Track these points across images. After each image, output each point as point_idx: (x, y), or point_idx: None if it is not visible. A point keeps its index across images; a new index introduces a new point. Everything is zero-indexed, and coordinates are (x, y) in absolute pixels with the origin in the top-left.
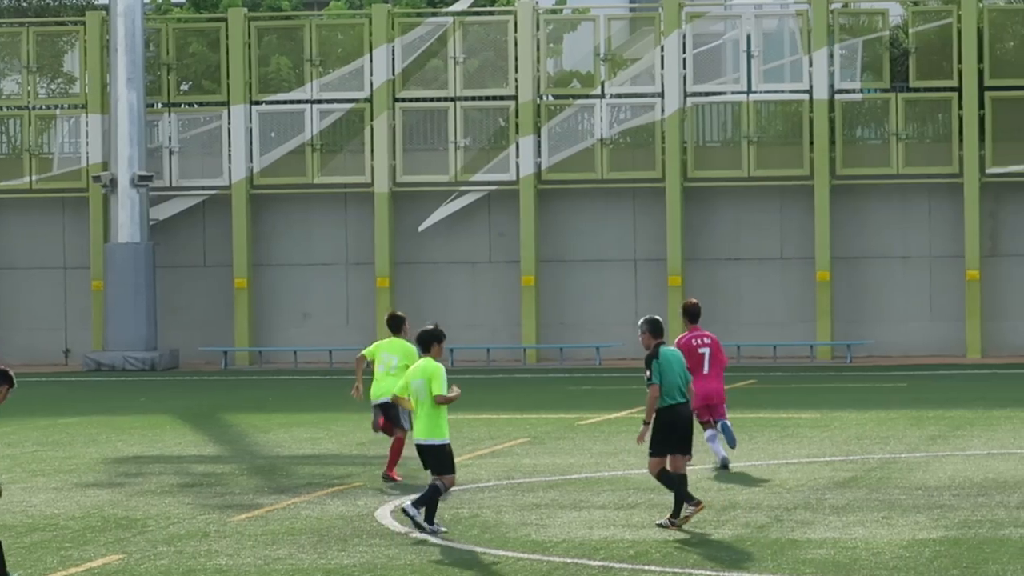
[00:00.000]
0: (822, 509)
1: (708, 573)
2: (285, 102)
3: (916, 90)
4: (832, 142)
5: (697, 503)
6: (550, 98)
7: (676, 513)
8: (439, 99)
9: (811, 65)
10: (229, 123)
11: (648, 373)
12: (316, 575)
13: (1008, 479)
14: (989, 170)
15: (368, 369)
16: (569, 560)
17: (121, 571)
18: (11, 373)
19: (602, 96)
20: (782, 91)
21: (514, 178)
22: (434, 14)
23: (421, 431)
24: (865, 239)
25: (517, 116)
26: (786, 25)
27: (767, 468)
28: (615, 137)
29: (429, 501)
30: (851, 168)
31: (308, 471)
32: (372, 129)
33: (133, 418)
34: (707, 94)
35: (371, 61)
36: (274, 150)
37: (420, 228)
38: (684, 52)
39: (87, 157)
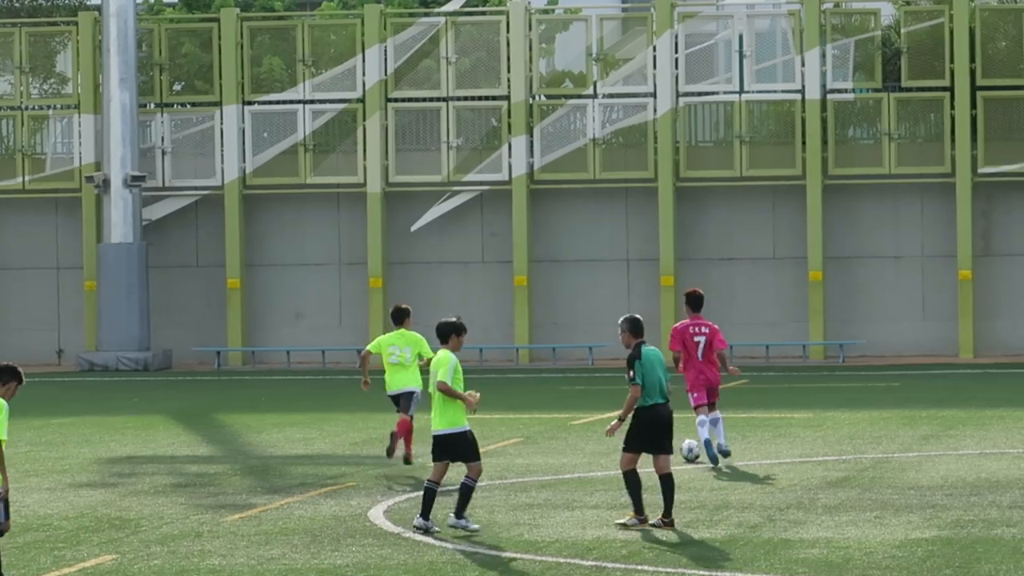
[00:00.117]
0: (815, 509)
1: (701, 572)
2: (277, 102)
3: (908, 90)
4: (824, 142)
5: (643, 519)
6: (542, 98)
7: (667, 512)
8: (431, 99)
9: (803, 65)
10: (222, 123)
11: (631, 373)
12: (309, 575)
13: (1000, 479)
14: (981, 170)
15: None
16: (562, 560)
17: (114, 571)
18: (20, 369)
19: (594, 96)
20: (774, 91)
21: (506, 178)
22: (426, 14)
23: (438, 421)
24: (857, 239)
25: (509, 116)
26: (778, 25)
27: (760, 468)
28: (607, 137)
29: (465, 500)
30: (843, 168)
31: (301, 471)
32: (364, 129)
33: (126, 418)
34: (699, 94)
35: (363, 61)
36: (267, 150)
37: (413, 228)
38: (676, 52)
39: (80, 157)
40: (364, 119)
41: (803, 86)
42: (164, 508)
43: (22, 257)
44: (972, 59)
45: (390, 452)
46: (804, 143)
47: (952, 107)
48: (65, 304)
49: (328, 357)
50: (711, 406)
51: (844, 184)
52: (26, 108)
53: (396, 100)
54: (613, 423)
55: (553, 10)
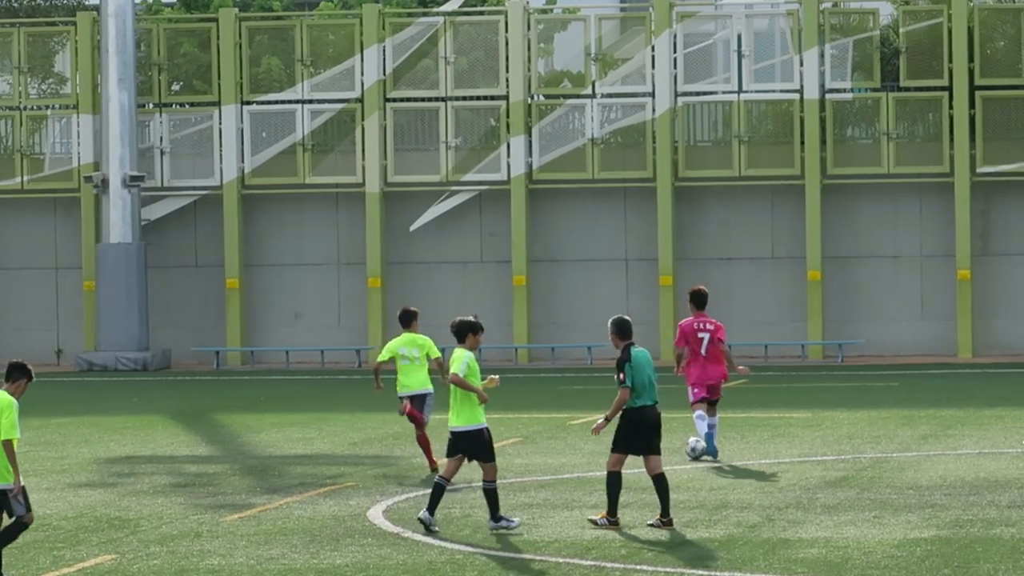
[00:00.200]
0: (813, 508)
1: (699, 572)
2: (276, 102)
3: (907, 89)
4: (823, 142)
5: (615, 522)
6: (541, 98)
7: (665, 511)
8: (430, 99)
9: (802, 65)
10: (220, 123)
11: (621, 376)
12: (309, 575)
13: (999, 478)
14: (980, 169)
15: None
16: (561, 560)
17: (114, 571)
18: (30, 367)
19: (593, 96)
20: (773, 91)
21: (505, 178)
22: (425, 14)
23: (455, 418)
24: (856, 238)
25: (508, 116)
26: (776, 25)
27: (759, 467)
28: (606, 137)
29: (494, 503)
30: (842, 168)
31: (300, 471)
32: (363, 129)
33: (125, 418)
34: (698, 94)
35: (362, 61)
36: (265, 150)
37: (411, 228)
38: (675, 52)
39: (78, 157)
40: (363, 119)
41: (801, 86)
42: (163, 508)
43: (21, 257)
44: (971, 59)
45: (433, 467)
46: (803, 143)
47: (951, 107)
48: (64, 304)
49: (327, 357)
50: (712, 405)
51: (843, 184)
52: (25, 108)
53: (395, 100)
54: (599, 422)
55: (551, 10)
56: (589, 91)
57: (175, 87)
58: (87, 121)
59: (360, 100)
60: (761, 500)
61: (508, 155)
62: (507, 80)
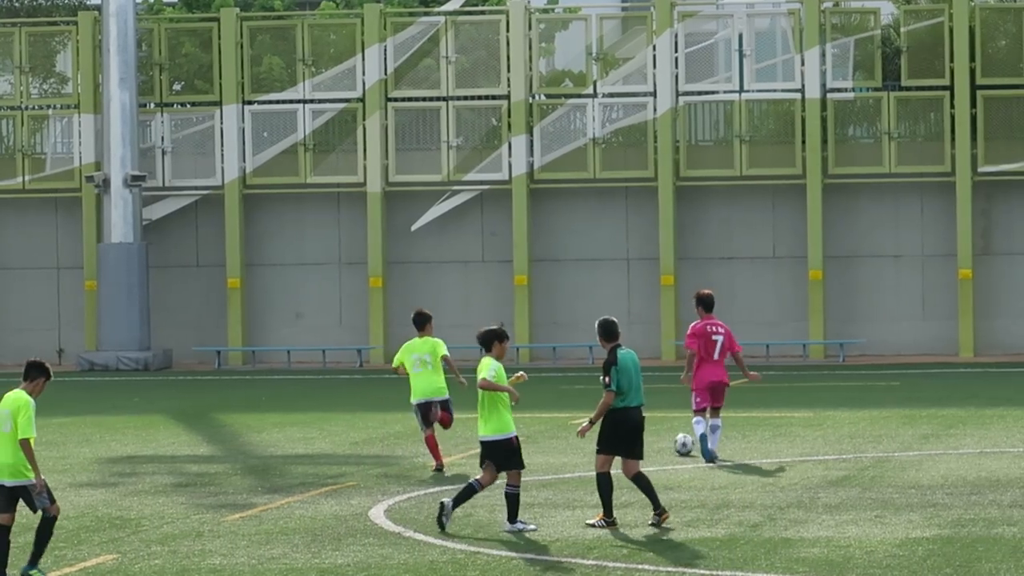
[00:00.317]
0: (815, 508)
1: (701, 572)
2: (277, 102)
3: (908, 89)
4: (824, 141)
5: (611, 522)
6: (542, 97)
7: (657, 505)
8: (431, 99)
9: (803, 64)
10: (222, 123)
11: (607, 379)
12: (310, 574)
13: (1001, 477)
14: (981, 169)
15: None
16: (563, 559)
17: (115, 571)
18: (48, 366)
19: (594, 95)
20: (774, 90)
21: (506, 177)
22: (426, 14)
23: (484, 427)
24: (857, 238)
25: (509, 115)
26: (778, 24)
27: (760, 467)
28: (607, 136)
29: (514, 507)
30: (843, 167)
31: (302, 471)
32: (364, 129)
33: (127, 418)
34: (699, 93)
35: (363, 61)
36: (267, 150)
37: (413, 228)
38: (676, 51)
39: (80, 157)
40: (364, 119)
41: (803, 85)
42: (165, 508)
43: (22, 257)
44: (972, 58)
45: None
46: (804, 142)
47: (952, 106)
48: (65, 304)
49: (328, 357)
50: (715, 411)
51: (844, 183)
52: (26, 108)
53: (396, 99)
54: (584, 424)
55: (553, 9)
56: (590, 91)
57: (176, 87)
58: (88, 121)
59: (361, 100)
60: (763, 499)
61: (509, 155)
62: (508, 80)
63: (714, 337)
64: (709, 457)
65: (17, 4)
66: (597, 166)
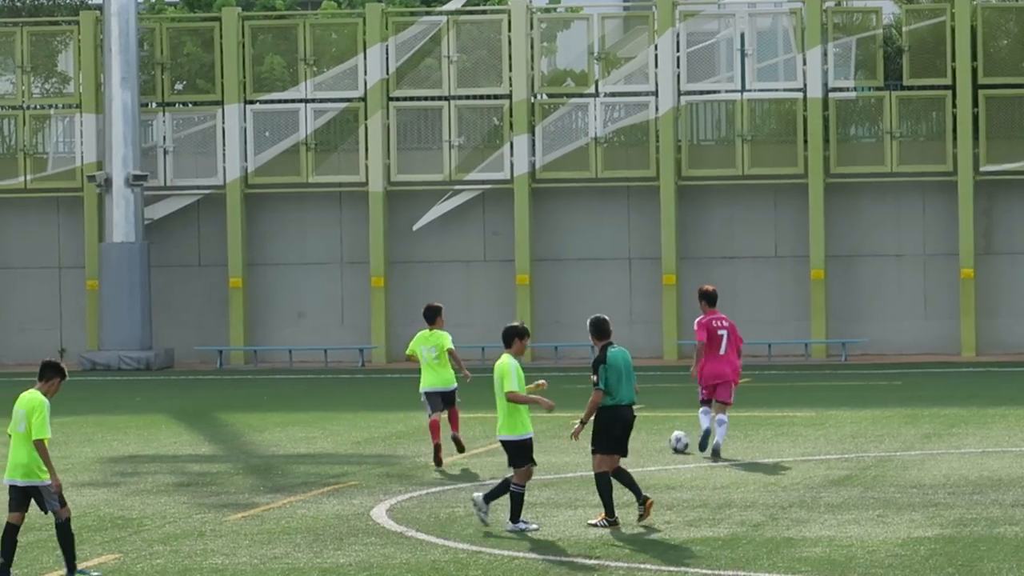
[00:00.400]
0: (817, 507)
1: (704, 571)
2: (279, 101)
3: (910, 88)
4: (826, 140)
5: (614, 522)
6: (544, 97)
7: (638, 495)
8: (433, 98)
9: (805, 63)
10: (223, 122)
11: (595, 377)
12: (312, 574)
13: (1003, 477)
14: (983, 168)
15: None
16: (565, 558)
17: (117, 571)
18: (63, 366)
19: (596, 95)
20: (776, 89)
21: (508, 177)
22: (428, 13)
23: (501, 426)
24: (859, 237)
25: (511, 115)
26: (780, 23)
27: (762, 466)
28: (609, 136)
29: (517, 506)
30: (845, 166)
31: (304, 470)
32: (366, 128)
33: (128, 417)
34: (701, 92)
35: (365, 60)
36: (268, 149)
37: (414, 227)
38: (678, 51)
39: (82, 157)
40: (366, 118)
41: (805, 85)
42: (167, 507)
43: (24, 257)
44: (974, 57)
45: (438, 457)
46: (806, 142)
47: (954, 105)
48: (67, 303)
49: (330, 356)
50: (721, 406)
51: (846, 183)
52: (28, 107)
53: (397, 99)
54: (576, 427)
55: (555, 9)
56: (592, 90)
57: (178, 86)
58: (90, 120)
59: (363, 99)
60: (765, 499)
61: (511, 154)
62: (510, 79)
63: (719, 332)
64: (703, 446)
65: (19, 4)
66: (599, 165)
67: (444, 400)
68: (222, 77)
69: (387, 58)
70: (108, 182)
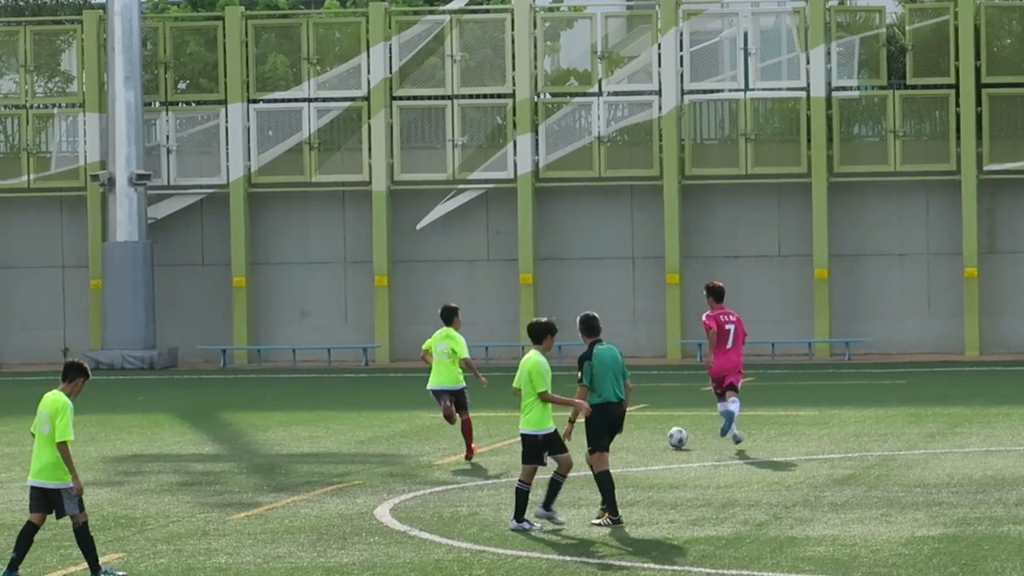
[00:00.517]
0: (821, 507)
1: (707, 571)
2: (282, 100)
3: (913, 87)
4: (829, 140)
5: (618, 520)
6: (547, 96)
7: (612, 509)
8: (436, 97)
9: (808, 63)
10: (227, 122)
11: (579, 374)
12: (315, 573)
13: (1006, 476)
14: (986, 167)
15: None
16: (568, 558)
17: (120, 570)
18: (86, 365)
19: (599, 94)
20: (779, 89)
21: (512, 176)
22: (431, 12)
23: (527, 421)
24: (863, 236)
25: (514, 114)
26: (783, 23)
27: (766, 466)
28: (612, 135)
29: (522, 504)
30: (848, 166)
31: (307, 469)
32: (370, 127)
33: (132, 417)
34: (704, 92)
35: (368, 59)
36: (272, 148)
37: (418, 226)
38: (681, 50)
39: (85, 156)
40: (369, 117)
41: (808, 84)
42: (170, 507)
43: (27, 256)
44: (977, 56)
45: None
46: (809, 141)
47: (957, 104)
48: (70, 303)
49: (333, 355)
50: (734, 390)
51: (849, 182)
52: (31, 107)
53: (401, 98)
54: (567, 427)
55: (558, 8)
56: (595, 89)
57: (181, 85)
58: (93, 120)
59: (366, 98)
60: (768, 498)
61: (514, 153)
62: (513, 78)
63: (727, 326)
64: (726, 432)
65: (22, 3)
66: (602, 165)
67: (451, 397)
68: (225, 76)
69: (390, 57)
70: (111, 181)
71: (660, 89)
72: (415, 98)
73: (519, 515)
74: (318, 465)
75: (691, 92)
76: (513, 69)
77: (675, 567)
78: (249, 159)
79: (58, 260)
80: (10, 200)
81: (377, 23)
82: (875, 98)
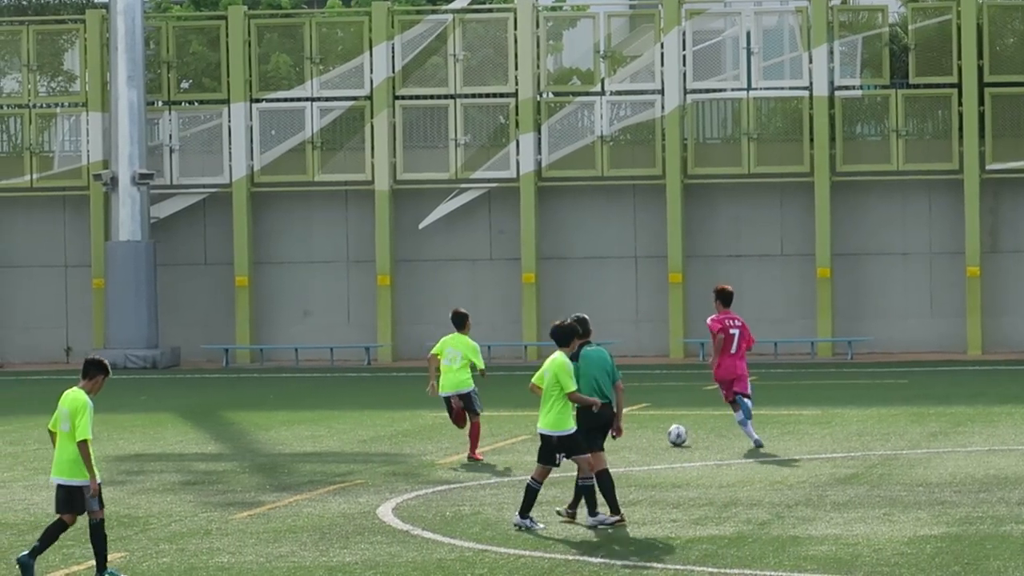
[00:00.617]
0: (823, 506)
1: (709, 570)
2: (285, 100)
3: (916, 86)
4: (832, 139)
5: (620, 518)
6: (550, 95)
7: (574, 504)
8: (439, 96)
9: (811, 62)
10: (229, 121)
11: None
12: (318, 573)
13: (1009, 475)
14: (989, 166)
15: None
16: (570, 557)
17: (123, 569)
18: (106, 362)
19: (602, 93)
20: (782, 88)
21: (514, 175)
22: (434, 11)
23: (546, 422)
24: (865, 236)
25: (517, 113)
26: (786, 22)
27: (768, 465)
28: (615, 134)
29: (529, 501)
30: (851, 165)
31: (309, 469)
32: (372, 127)
33: (134, 416)
34: (707, 91)
35: (371, 58)
36: (274, 148)
37: (420, 226)
38: (684, 49)
39: (88, 155)
40: (372, 116)
41: (811, 83)
42: (172, 506)
43: (30, 255)
44: (980, 56)
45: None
46: (812, 140)
47: (960, 104)
48: (73, 302)
49: (336, 355)
50: (743, 394)
51: (852, 181)
52: (34, 106)
53: (404, 97)
54: None
55: (561, 7)
56: (598, 88)
57: (184, 85)
58: (96, 119)
59: (369, 98)
60: (771, 497)
61: (517, 152)
62: (516, 77)
63: (731, 331)
64: (758, 443)
65: (25, 2)
66: (605, 164)
67: (456, 401)
68: (228, 76)
69: (393, 56)
70: (114, 181)
71: (663, 88)
72: (418, 97)
73: (523, 511)
74: (320, 464)
75: (694, 91)
76: (516, 68)
77: (677, 566)
78: (252, 158)
79: (61, 259)
80: (13, 199)
81: (380, 22)
82: (878, 97)
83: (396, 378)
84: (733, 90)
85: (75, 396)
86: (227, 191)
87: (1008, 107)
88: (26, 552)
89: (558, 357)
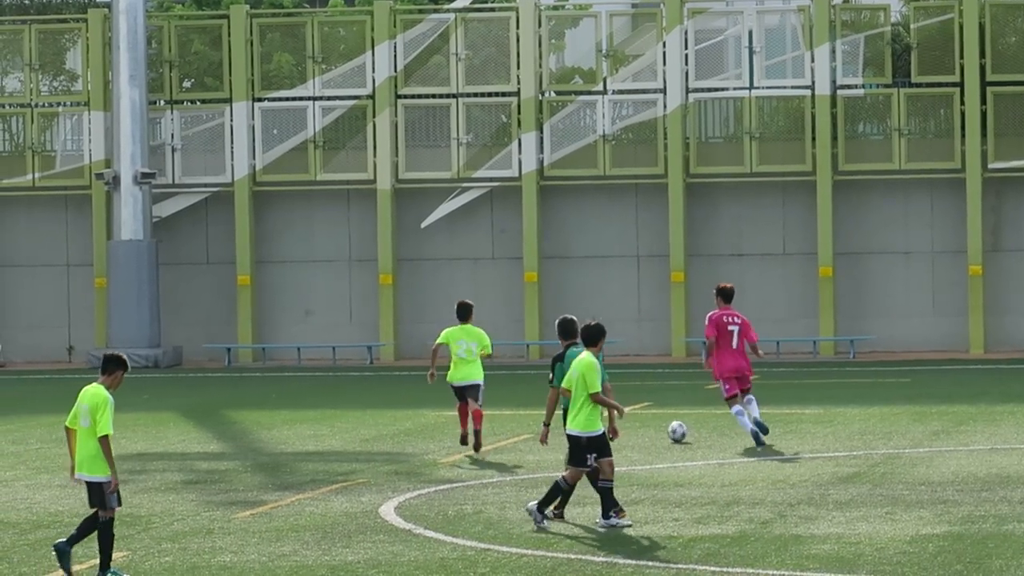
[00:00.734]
0: (826, 505)
1: (712, 569)
2: (287, 99)
3: (918, 85)
4: (834, 138)
5: (619, 511)
6: (552, 94)
7: (547, 503)
8: (441, 95)
9: (813, 61)
10: (231, 120)
11: (551, 375)
12: (320, 572)
13: (1011, 474)
14: (991, 165)
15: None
16: (573, 556)
17: (125, 568)
18: (125, 357)
19: (604, 92)
20: (784, 87)
21: (516, 174)
22: (436, 10)
23: (575, 423)
24: (867, 235)
25: (519, 112)
26: (788, 21)
27: (770, 464)
28: (617, 133)
29: (551, 498)
30: (853, 164)
31: (312, 468)
32: (374, 126)
33: (136, 415)
34: (709, 90)
35: (373, 58)
36: (276, 147)
37: (423, 225)
38: (686, 48)
39: (90, 154)
40: (374, 116)
41: (813, 82)
42: (175, 505)
43: (32, 254)
44: (982, 54)
45: (464, 440)
46: (814, 139)
47: (962, 103)
48: (75, 301)
49: (338, 354)
50: (744, 391)
51: (854, 180)
52: (36, 105)
53: (406, 97)
54: (542, 430)
55: (563, 6)
56: (600, 87)
57: (186, 84)
58: (98, 118)
59: (371, 97)
60: (773, 496)
61: (519, 152)
62: (518, 77)
63: (730, 327)
64: (759, 437)
65: (27, 1)
66: (607, 163)
67: (469, 392)
68: (230, 75)
69: (395, 55)
70: (116, 180)
71: (665, 87)
72: (420, 96)
73: (542, 505)
74: (323, 463)
75: (696, 90)
76: (518, 67)
77: (680, 565)
78: (254, 157)
79: (63, 259)
80: (15, 199)
81: (382, 21)
82: (880, 96)
83: (398, 377)
84: (735, 89)
85: (95, 392)
86: (229, 190)
87: (1010, 106)
88: (64, 540)
89: (586, 357)
